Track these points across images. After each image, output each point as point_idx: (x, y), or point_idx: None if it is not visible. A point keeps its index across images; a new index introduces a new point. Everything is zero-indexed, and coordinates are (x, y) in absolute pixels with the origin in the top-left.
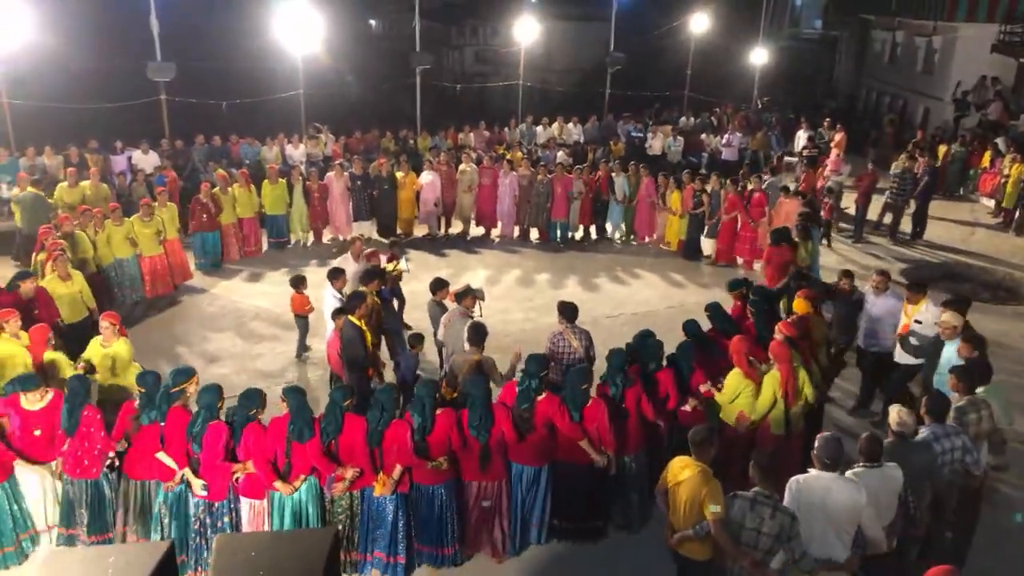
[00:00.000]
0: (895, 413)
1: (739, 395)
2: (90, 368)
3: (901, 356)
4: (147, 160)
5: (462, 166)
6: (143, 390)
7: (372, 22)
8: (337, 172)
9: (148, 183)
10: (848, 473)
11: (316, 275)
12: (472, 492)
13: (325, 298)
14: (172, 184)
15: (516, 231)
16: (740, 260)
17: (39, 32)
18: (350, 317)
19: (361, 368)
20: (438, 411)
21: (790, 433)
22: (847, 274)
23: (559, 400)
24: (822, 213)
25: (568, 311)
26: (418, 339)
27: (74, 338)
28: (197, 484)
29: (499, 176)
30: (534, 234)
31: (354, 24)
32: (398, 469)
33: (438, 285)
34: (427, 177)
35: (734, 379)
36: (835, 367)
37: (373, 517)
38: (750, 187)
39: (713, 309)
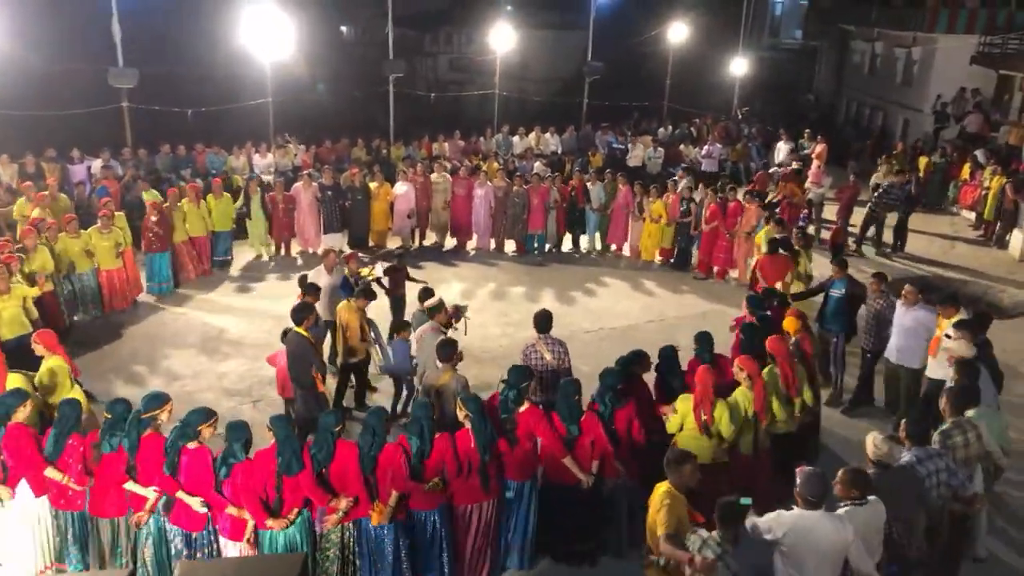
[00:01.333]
0: (870, 441)
1: (684, 425)
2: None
3: (932, 371)
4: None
5: (434, 176)
6: (109, 417)
7: (344, 28)
8: (305, 182)
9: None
10: (840, 511)
11: (279, 289)
12: (471, 516)
13: None
14: (115, 195)
15: (492, 243)
16: (715, 269)
17: None
18: (297, 328)
19: (311, 384)
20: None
21: (757, 453)
22: (880, 276)
23: (540, 412)
24: (830, 234)
25: (541, 321)
26: (404, 326)
27: (17, 356)
28: (195, 501)
29: (474, 187)
30: (510, 246)
31: (325, 30)
32: (394, 496)
33: (426, 295)
34: (401, 188)
35: (683, 405)
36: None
37: (373, 550)
38: (727, 196)
39: (747, 330)
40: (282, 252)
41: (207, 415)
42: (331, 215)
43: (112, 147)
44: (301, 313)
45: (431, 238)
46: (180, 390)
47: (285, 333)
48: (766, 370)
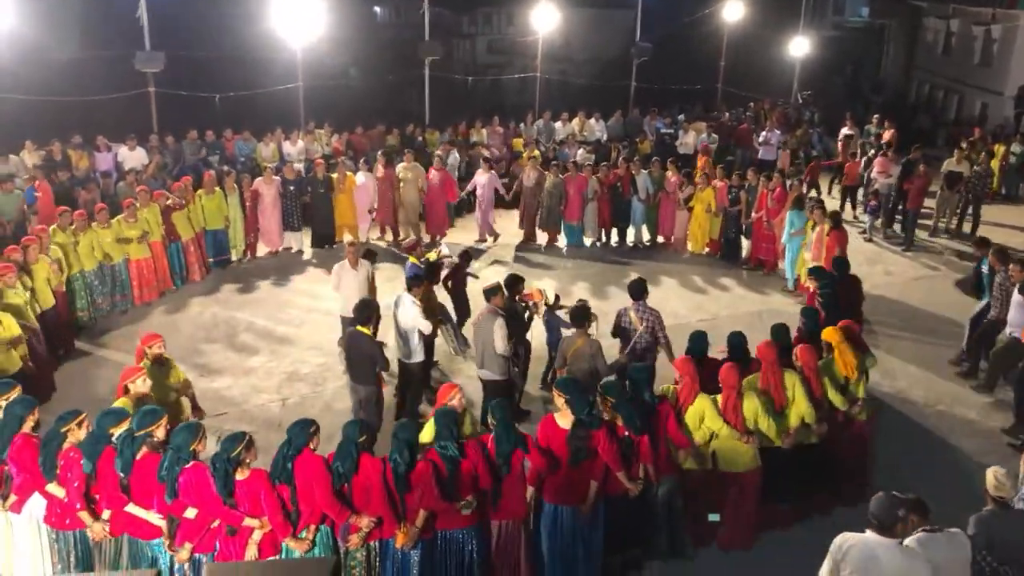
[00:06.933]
0: (991, 475)
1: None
2: None
3: None
4: (135, 157)
5: (402, 166)
6: (93, 431)
7: (377, 9)
8: (267, 177)
9: (137, 180)
10: (909, 541)
11: (307, 283)
12: (492, 532)
13: (404, 306)
14: (46, 197)
15: (487, 233)
16: (762, 259)
17: (18, 20)
18: (359, 328)
19: (375, 383)
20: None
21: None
22: (984, 242)
23: (606, 430)
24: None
25: (633, 289)
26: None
27: None
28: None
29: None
30: (542, 239)
31: (357, 11)
32: (422, 515)
33: (513, 282)
34: (361, 178)
35: (702, 403)
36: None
37: (398, 572)
38: (772, 182)
39: (807, 314)
40: (248, 255)
41: (195, 432)
42: (290, 212)
43: (139, 134)
44: (364, 312)
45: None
46: (208, 386)
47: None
48: (747, 379)
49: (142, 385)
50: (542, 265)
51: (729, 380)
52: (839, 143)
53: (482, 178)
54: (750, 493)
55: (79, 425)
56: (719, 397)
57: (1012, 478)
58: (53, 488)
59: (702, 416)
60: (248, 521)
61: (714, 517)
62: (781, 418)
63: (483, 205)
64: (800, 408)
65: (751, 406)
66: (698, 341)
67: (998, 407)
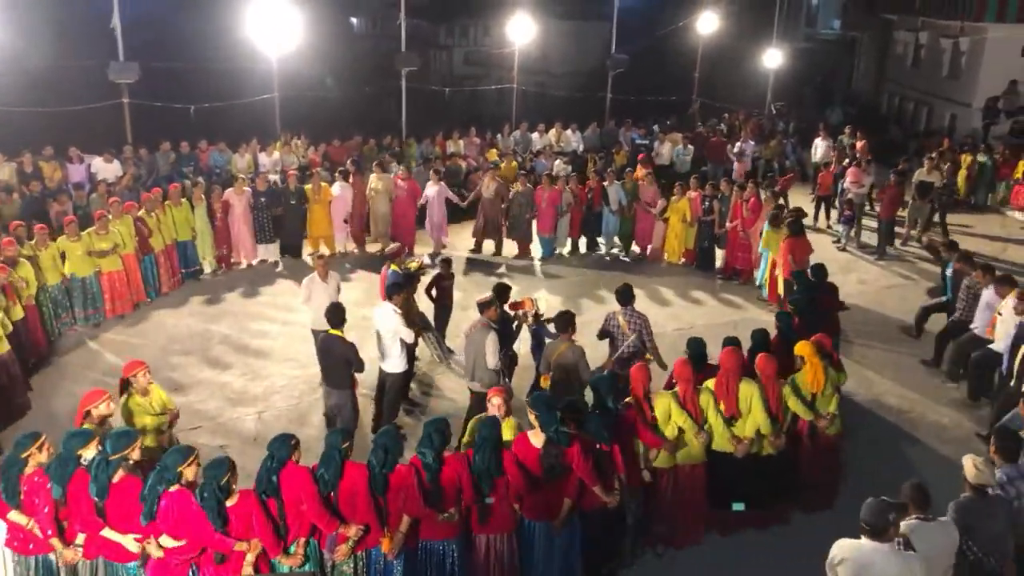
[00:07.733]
0: (969, 463)
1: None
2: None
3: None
4: (109, 169)
5: (373, 177)
6: (61, 452)
7: (354, 20)
8: (238, 188)
9: (109, 192)
10: (903, 527)
11: (282, 295)
12: (483, 547)
13: (385, 315)
14: None
15: (444, 241)
16: (738, 268)
17: None
18: (332, 331)
19: (349, 387)
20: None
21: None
22: (953, 245)
23: (580, 447)
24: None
25: (620, 295)
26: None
27: None
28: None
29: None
30: (511, 250)
31: (334, 22)
32: (405, 521)
33: (501, 291)
34: (337, 189)
35: (663, 401)
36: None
37: None
38: (747, 192)
39: (781, 319)
40: (222, 268)
41: (185, 454)
42: (263, 224)
43: (113, 145)
44: (336, 315)
45: (375, 246)
46: (182, 400)
47: None
48: (707, 382)
49: (104, 409)
50: (514, 278)
51: (684, 374)
52: (833, 152)
53: (431, 190)
54: (694, 486)
55: (39, 448)
56: (676, 390)
57: (990, 466)
58: (15, 516)
59: (668, 413)
60: (238, 546)
61: (738, 506)
62: (732, 425)
63: (433, 217)
64: (756, 418)
65: (703, 399)
66: (696, 347)
67: (970, 413)
